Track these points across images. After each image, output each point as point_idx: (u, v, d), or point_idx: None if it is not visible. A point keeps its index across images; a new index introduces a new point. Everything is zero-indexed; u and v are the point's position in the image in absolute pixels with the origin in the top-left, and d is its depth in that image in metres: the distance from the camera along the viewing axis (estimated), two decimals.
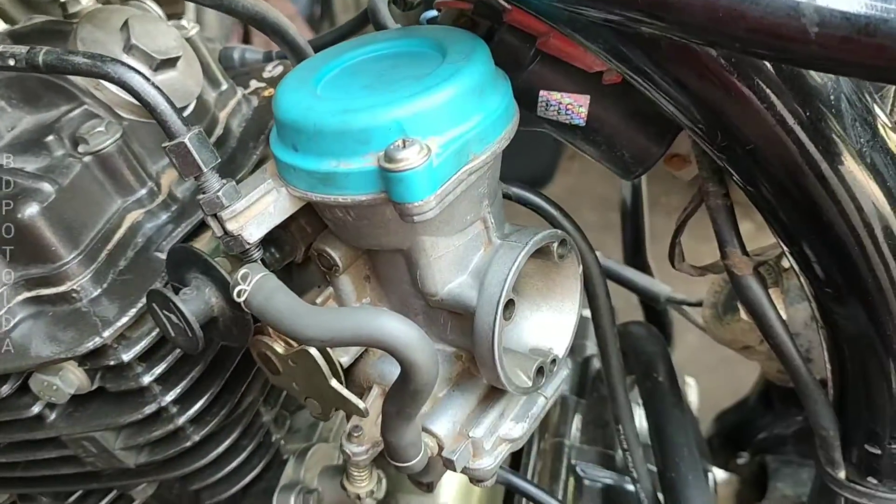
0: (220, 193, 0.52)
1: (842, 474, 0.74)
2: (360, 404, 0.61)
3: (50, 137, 0.64)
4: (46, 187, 0.61)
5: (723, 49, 0.48)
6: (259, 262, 0.55)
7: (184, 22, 0.76)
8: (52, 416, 0.67)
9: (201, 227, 0.70)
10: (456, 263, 0.58)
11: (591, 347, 1.09)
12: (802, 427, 1.18)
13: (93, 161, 0.64)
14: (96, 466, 0.70)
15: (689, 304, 1.01)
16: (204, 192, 0.53)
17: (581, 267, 0.64)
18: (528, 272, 0.65)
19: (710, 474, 0.96)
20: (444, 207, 0.51)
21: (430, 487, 0.71)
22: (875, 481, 0.72)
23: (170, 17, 0.78)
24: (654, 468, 0.82)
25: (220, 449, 0.71)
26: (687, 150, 0.72)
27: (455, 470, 0.61)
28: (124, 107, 0.68)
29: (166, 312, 0.57)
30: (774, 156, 0.54)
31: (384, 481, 0.79)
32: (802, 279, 0.63)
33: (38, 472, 0.73)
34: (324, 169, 0.51)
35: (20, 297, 0.63)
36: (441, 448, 0.61)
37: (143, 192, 0.67)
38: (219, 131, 0.75)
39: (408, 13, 0.75)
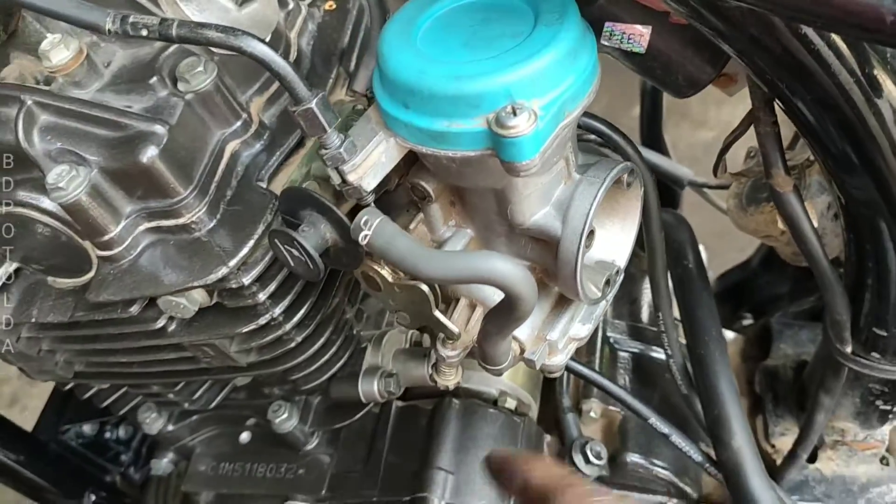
0: (341, 150, 0.59)
1: (848, 349, 0.86)
2: (455, 329, 0.71)
3: (154, 79, 0.69)
4: (160, 129, 0.66)
5: (809, 26, 0.54)
6: (374, 205, 0.62)
7: None
8: (174, 327, 0.76)
9: (290, 153, 0.76)
10: (541, 197, 0.65)
11: None
12: (796, 286, 1.31)
13: (194, 99, 0.69)
14: (213, 366, 0.79)
15: (711, 188, 1.10)
16: (326, 148, 0.59)
17: (643, 189, 0.72)
18: None
19: None
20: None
21: (498, 373, 0.83)
22: (878, 356, 0.84)
23: None
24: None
25: (316, 346, 0.81)
26: (733, 70, 0.78)
27: (534, 368, 0.72)
28: None
29: (288, 248, 0.64)
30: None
31: None
32: (821, 164, 0.71)
33: (156, 369, 0.83)
34: (436, 128, 0.58)
35: (141, 227, 0.70)
36: (523, 351, 0.72)
37: (238, 123, 0.73)
38: (293, 55, 0.79)
39: None
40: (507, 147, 0.55)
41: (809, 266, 0.78)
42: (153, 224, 0.70)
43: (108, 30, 0.57)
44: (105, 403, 1.00)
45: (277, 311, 0.74)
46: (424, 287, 0.67)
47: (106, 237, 0.68)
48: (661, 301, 0.86)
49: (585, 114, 0.75)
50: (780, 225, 0.92)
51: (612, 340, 1.04)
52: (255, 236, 0.69)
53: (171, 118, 0.67)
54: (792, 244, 0.98)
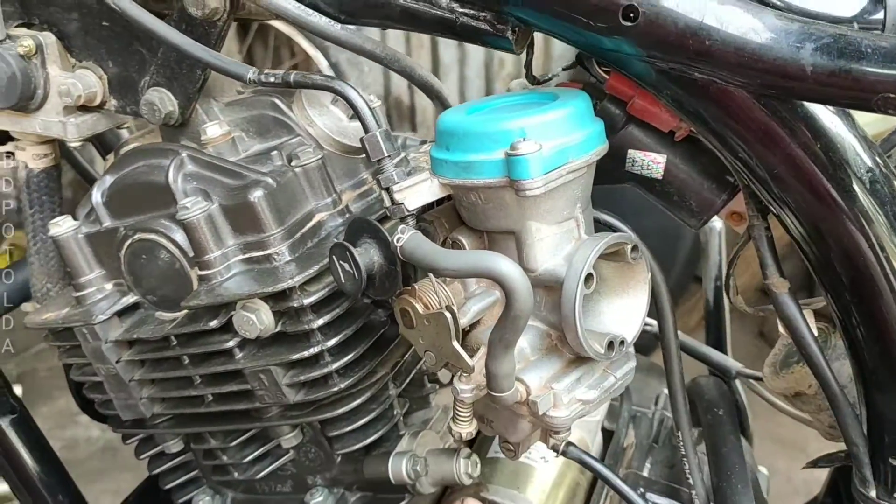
0: (394, 173, 0.77)
1: (873, 493, 0.85)
2: (470, 362, 0.81)
3: (274, 153, 0.92)
4: (270, 181, 0.87)
5: (747, 87, 0.69)
6: (412, 226, 0.78)
7: (373, 97, 1.04)
8: (240, 355, 0.90)
9: None
10: (553, 248, 0.78)
11: (666, 412, 1.24)
12: None
13: (301, 171, 0.90)
14: (264, 401, 0.90)
15: (758, 379, 1.15)
16: (382, 172, 0.77)
17: (649, 274, 0.83)
18: (607, 275, 0.84)
19: None
20: (548, 192, 0.73)
21: (515, 451, 0.88)
22: None
23: None
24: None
25: (356, 402, 0.90)
26: (743, 208, 0.91)
27: (537, 412, 0.78)
28: (325, 140, 0.95)
29: (341, 262, 0.79)
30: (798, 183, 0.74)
31: (479, 465, 0.96)
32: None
33: (218, 408, 0.94)
34: (467, 159, 0.75)
35: (237, 258, 0.88)
36: (529, 393, 0.79)
37: (329, 200, 0.92)
38: None
39: None
40: (515, 165, 0.71)
41: (813, 374, 0.83)
42: (246, 256, 0.88)
43: (249, 79, 0.81)
44: (169, 486, 1.09)
45: (328, 343, 0.86)
46: (448, 314, 0.79)
47: (206, 257, 0.86)
48: (680, 416, 0.90)
49: (608, 213, 0.90)
50: (808, 381, 0.96)
51: (648, 496, 1.04)
52: (322, 263, 0.85)
53: (281, 179, 0.88)
54: (824, 411, 1.00)
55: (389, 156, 0.77)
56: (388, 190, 0.77)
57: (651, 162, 0.88)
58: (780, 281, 0.82)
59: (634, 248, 0.80)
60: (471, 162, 0.75)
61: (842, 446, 1.04)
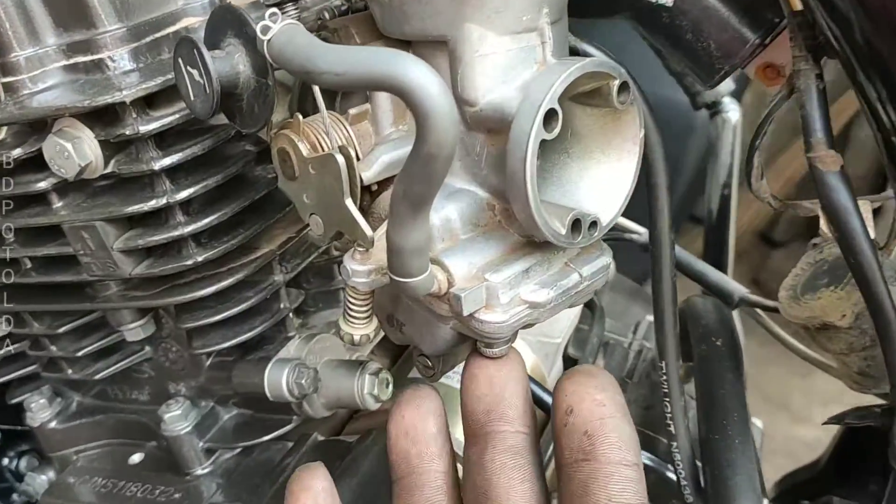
0: None
1: None
2: (369, 232, 0.55)
3: None
4: None
5: None
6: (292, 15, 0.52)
7: None
8: (59, 203, 0.64)
9: None
10: (503, 71, 0.52)
11: (646, 343, 1.00)
12: None
13: None
14: (92, 271, 0.65)
15: (765, 308, 0.90)
16: None
17: (643, 132, 0.57)
18: (583, 131, 0.58)
19: None
20: None
21: (434, 370, 0.63)
22: None
23: None
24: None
25: (223, 284, 0.65)
26: (784, 59, 0.65)
27: (461, 312, 0.53)
28: None
29: (189, 68, 0.53)
30: None
31: (391, 386, 0.72)
32: None
33: (39, 279, 0.69)
34: None
35: (57, 64, 0.62)
36: (452, 284, 0.54)
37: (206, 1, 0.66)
38: None
39: None
40: None
41: (861, 292, 0.58)
42: (70, 62, 0.61)
43: None
44: (4, 378, 0.84)
45: (177, 197, 0.61)
46: (340, 158, 0.53)
47: (10, 56, 0.60)
48: (666, 345, 0.65)
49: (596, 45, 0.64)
50: (842, 310, 0.72)
51: None
52: (168, 76, 0.58)
53: None
54: (856, 351, 0.76)
55: None
56: None
57: None
58: (830, 154, 0.56)
59: (623, 86, 0.54)
60: None
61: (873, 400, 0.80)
